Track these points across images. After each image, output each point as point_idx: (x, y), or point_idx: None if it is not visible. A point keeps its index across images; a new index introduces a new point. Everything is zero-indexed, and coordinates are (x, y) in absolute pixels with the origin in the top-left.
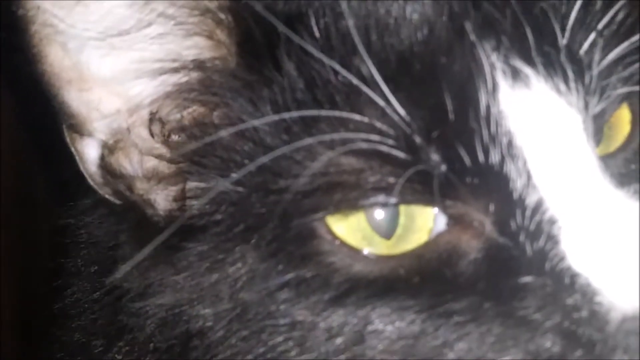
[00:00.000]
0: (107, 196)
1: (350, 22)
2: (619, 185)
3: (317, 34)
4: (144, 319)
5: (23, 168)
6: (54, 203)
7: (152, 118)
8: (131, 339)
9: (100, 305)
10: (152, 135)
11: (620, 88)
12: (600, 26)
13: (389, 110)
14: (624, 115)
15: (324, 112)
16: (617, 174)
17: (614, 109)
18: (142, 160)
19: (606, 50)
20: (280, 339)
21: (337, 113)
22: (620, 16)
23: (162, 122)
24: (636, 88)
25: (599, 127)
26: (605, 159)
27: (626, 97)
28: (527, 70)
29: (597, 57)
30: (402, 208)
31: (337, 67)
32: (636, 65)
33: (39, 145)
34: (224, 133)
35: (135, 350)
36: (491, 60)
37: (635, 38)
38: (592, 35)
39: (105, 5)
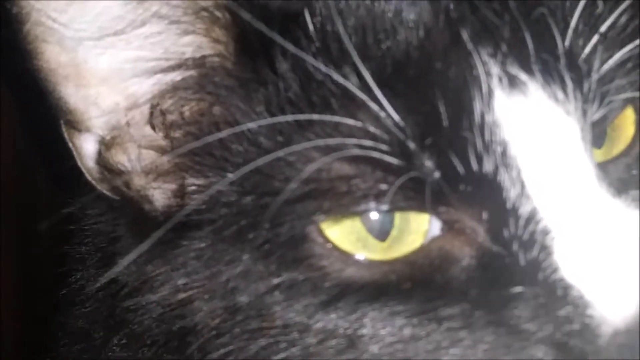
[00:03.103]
0: (104, 191)
1: (341, 28)
2: (617, 193)
3: (313, 35)
4: (141, 313)
5: (24, 156)
6: (55, 192)
7: (154, 111)
8: (128, 332)
9: (102, 295)
10: (153, 128)
11: (623, 93)
12: (602, 29)
13: (383, 115)
14: (629, 116)
15: (317, 117)
16: (616, 181)
17: (617, 113)
18: (141, 155)
19: (607, 55)
20: (271, 340)
21: (330, 117)
22: (623, 19)
23: (164, 114)
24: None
25: (600, 131)
26: (606, 165)
27: (631, 99)
28: (524, 77)
29: (597, 62)
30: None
31: (330, 72)
32: None
33: (38, 136)
34: (220, 134)
35: (132, 344)
36: (487, 67)
37: (637, 42)
38: (594, 40)
39: (99, 5)
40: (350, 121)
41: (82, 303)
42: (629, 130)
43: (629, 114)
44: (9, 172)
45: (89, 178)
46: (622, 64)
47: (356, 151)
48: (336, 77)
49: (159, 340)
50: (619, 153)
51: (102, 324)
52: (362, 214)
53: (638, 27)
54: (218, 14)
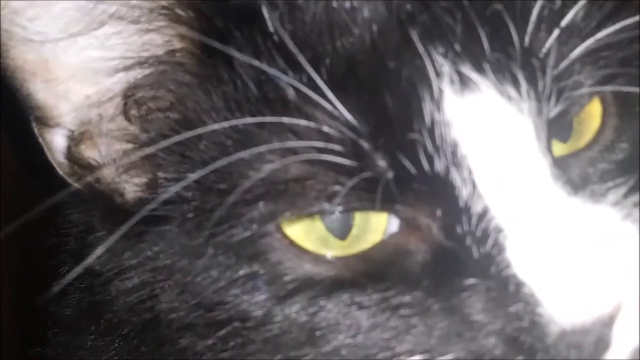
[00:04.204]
0: (76, 185)
1: (286, 31)
2: (575, 190)
3: (271, 31)
4: (115, 304)
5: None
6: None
7: (128, 102)
8: (105, 322)
9: (84, 285)
10: (128, 119)
11: (586, 87)
12: (562, 24)
13: (336, 115)
14: (595, 109)
15: (272, 119)
16: (577, 177)
17: (581, 107)
18: (111, 149)
19: (567, 50)
20: (232, 332)
21: (285, 119)
22: (582, 13)
23: (139, 104)
24: (604, 88)
25: (565, 124)
26: (566, 160)
27: (598, 91)
28: (475, 77)
29: (555, 58)
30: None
31: (279, 74)
32: (606, 61)
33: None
34: (187, 134)
35: (110, 333)
36: (438, 67)
37: (599, 35)
38: (554, 35)
39: (55, 8)
40: (305, 122)
41: (72, 293)
42: (594, 123)
43: (595, 106)
44: (8, 170)
45: (60, 172)
46: (584, 57)
47: (312, 154)
48: (285, 78)
49: (133, 331)
50: (584, 145)
51: (85, 313)
52: (317, 214)
53: (599, 23)
54: (179, 11)
